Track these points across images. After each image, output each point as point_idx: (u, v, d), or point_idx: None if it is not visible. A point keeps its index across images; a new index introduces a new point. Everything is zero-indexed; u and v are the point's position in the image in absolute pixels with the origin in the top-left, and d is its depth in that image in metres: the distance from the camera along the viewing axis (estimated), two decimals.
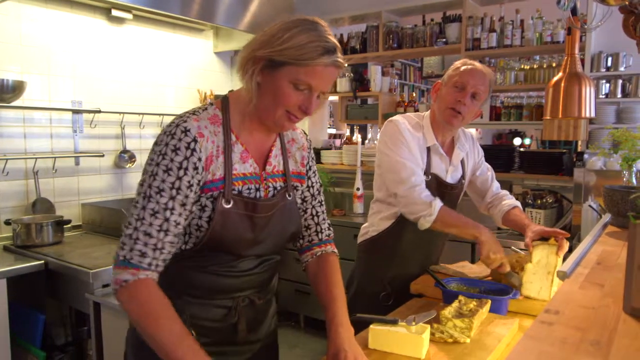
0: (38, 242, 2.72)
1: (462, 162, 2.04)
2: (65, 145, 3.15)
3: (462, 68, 1.86)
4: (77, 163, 3.20)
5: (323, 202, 1.47)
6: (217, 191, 1.17)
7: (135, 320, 1.10)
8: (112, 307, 2.25)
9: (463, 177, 2.04)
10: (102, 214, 3.11)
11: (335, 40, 1.16)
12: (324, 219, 1.47)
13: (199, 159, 1.13)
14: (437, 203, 1.76)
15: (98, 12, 3.25)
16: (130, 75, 3.48)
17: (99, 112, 3.22)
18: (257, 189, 1.24)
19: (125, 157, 3.44)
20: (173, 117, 1.19)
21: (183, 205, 1.12)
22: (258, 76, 1.14)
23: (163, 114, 3.58)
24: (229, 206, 1.17)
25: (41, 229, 2.74)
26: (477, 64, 1.88)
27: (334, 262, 1.45)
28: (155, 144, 1.15)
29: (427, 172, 1.90)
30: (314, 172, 1.43)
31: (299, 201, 1.38)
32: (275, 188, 1.28)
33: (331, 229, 1.51)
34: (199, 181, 1.14)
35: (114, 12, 3.20)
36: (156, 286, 1.10)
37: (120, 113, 3.36)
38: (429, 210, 1.75)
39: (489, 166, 2.17)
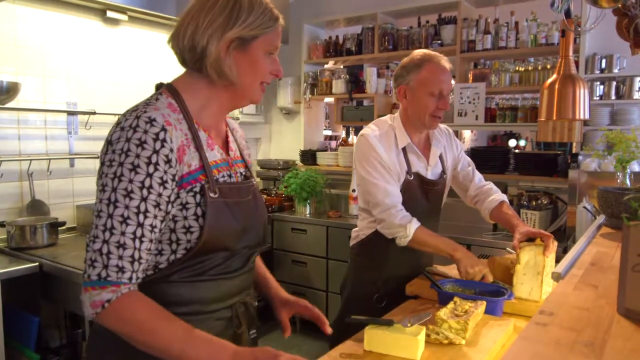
0: (32, 244, 2.71)
1: (441, 157, 2.06)
2: (60, 146, 3.14)
3: (430, 73, 1.86)
4: (72, 165, 3.19)
5: None
6: (198, 183, 1.07)
7: (130, 338, 0.99)
8: None
9: (444, 171, 2.06)
10: None
11: None
12: None
13: (171, 150, 1.02)
14: (413, 225, 1.81)
15: (93, 14, 3.24)
16: (126, 77, 3.48)
17: (94, 113, 3.21)
18: (230, 176, 1.18)
19: None
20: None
21: (157, 206, 1.01)
22: (231, 58, 1.10)
23: None
24: (216, 196, 1.09)
25: (35, 231, 2.73)
26: (441, 60, 1.88)
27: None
28: (111, 142, 1.02)
29: (409, 172, 1.91)
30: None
31: None
32: (241, 174, 1.24)
33: None
34: (174, 176, 1.03)
35: (109, 14, 3.19)
36: (141, 295, 1.00)
37: (115, 115, 3.35)
38: (404, 232, 1.81)
39: (469, 160, 2.19)
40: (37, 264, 2.49)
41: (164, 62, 3.69)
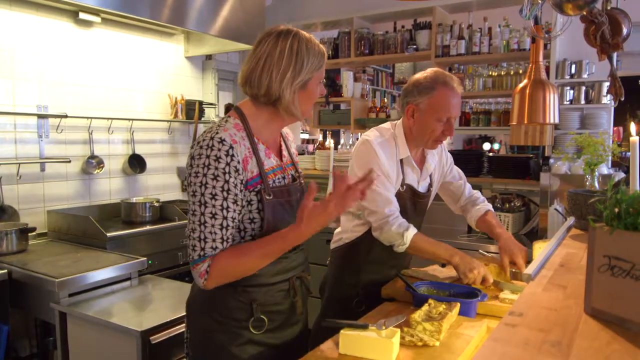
0: (1, 250, 2.63)
1: (431, 171, 2.08)
2: (30, 150, 3.06)
3: (441, 99, 1.82)
4: (42, 169, 3.12)
5: None
6: (259, 186, 1.38)
7: (241, 276, 1.37)
8: (78, 317, 2.20)
9: (431, 184, 2.09)
10: (68, 221, 3.03)
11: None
12: None
13: (238, 162, 1.33)
14: (410, 233, 1.81)
15: (65, 15, 3.18)
16: (99, 80, 3.42)
17: (66, 117, 3.14)
18: (284, 177, 1.47)
19: (93, 162, 3.37)
20: (207, 129, 1.39)
21: (235, 202, 1.33)
22: (297, 94, 1.39)
23: (132, 119, 3.52)
24: (270, 198, 1.39)
25: (4, 237, 2.65)
26: (454, 83, 1.84)
27: None
28: (194, 158, 1.32)
29: (402, 183, 1.93)
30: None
31: None
32: (292, 175, 1.52)
33: None
34: (242, 180, 1.34)
35: (82, 15, 3.14)
36: (224, 252, 1.32)
37: (88, 118, 3.30)
38: (401, 240, 1.82)
39: (460, 172, 2.22)
40: (5, 271, 2.42)
41: (138, 65, 3.65)
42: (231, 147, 1.32)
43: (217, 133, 1.33)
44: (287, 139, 1.61)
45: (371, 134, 1.94)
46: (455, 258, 1.81)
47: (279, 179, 1.45)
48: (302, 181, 1.57)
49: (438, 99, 1.82)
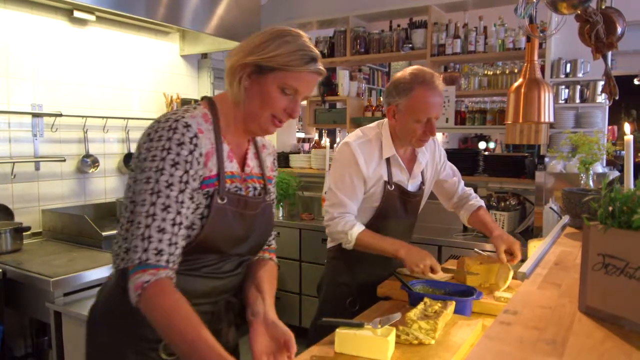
0: None
1: (422, 169, 2.07)
2: (25, 149, 3.05)
3: (420, 99, 1.80)
4: (37, 168, 3.10)
5: None
6: (212, 188, 1.19)
7: (153, 324, 1.08)
8: (73, 317, 2.19)
9: (423, 183, 2.08)
10: (63, 221, 3.02)
11: (317, 51, 1.24)
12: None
13: (200, 154, 1.16)
14: (355, 231, 1.85)
15: (60, 13, 3.16)
16: (94, 78, 3.40)
17: (61, 115, 3.13)
18: (240, 189, 1.27)
19: (88, 161, 3.35)
20: (164, 115, 1.20)
21: (191, 198, 1.15)
22: (246, 81, 1.20)
23: (127, 118, 3.51)
24: (223, 202, 1.20)
25: None
26: (433, 81, 1.82)
27: (273, 267, 1.47)
28: (152, 140, 1.14)
29: (389, 182, 1.92)
30: (274, 183, 1.46)
31: None
32: (255, 189, 1.32)
33: (274, 240, 1.53)
34: (200, 176, 1.17)
35: (76, 14, 3.12)
36: (171, 286, 1.08)
37: (82, 117, 3.28)
38: (346, 238, 1.87)
39: (455, 169, 2.21)
40: (0, 270, 2.41)
41: (133, 63, 3.64)
42: (196, 135, 1.15)
43: (182, 117, 1.16)
44: (263, 150, 1.41)
45: (353, 135, 1.96)
46: (401, 252, 1.82)
47: (236, 187, 1.26)
48: (269, 199, 1.37)
49: (416, 100, 1.81)
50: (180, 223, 1.11)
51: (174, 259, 1.11)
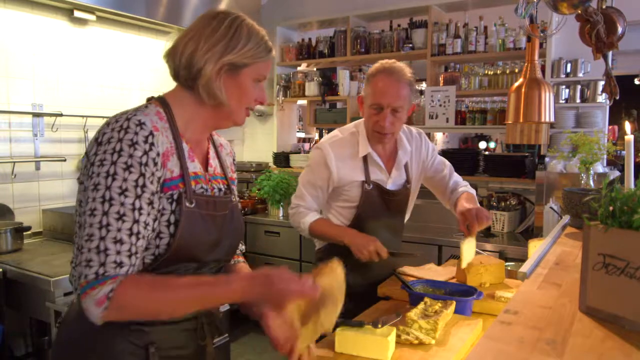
0: None
1: (406, 166, 2.01)
2: (25, 149, 3.05)
3: (375, 84, 1.80)
4: (37, 168, 3.10)
5: None
6: (177, 190, 1.10)
7: (146, 317, 1.06)
8: None
9: (408, 181, 2.02)
10: (64, 220, 3.02)
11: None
12: None
13: (157, 154, 1.05)
14: (307, 220, 1.95)
15: (60, 13, 3.16)
16: (94, 78, 3.40)
17: (61, 115, 3.13)
18: (207, 189, 1.19)
19: None
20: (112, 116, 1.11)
21: (150, 203, 1.04)
22: (221, 81, 1.14)
23: None
24: (192, 206, 1.11)
25: None
26: (393, 68, 1.80)
27: (248, 268, 1.46)
28: (101, 143, 1.03)
29: (367, 181, 1.91)
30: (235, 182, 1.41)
31: None
32: (220, 189, 1.25)
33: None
34: (159, 178, 1.06)
35: (77, 13, 3.12)
36: (135, 277, 1.01)
37: (83, 116, 3.28)
38: (300, 228, 1.99)
39: (446, 163, 2.13)
40: (0, 270, 2.41)
41: (134, 63, 3.64)
42: (152, 133, 1.05)
43: (134, 115, 1.06)
44: (221, 150, 1.34)
45: (328, 136, 1.98)
46: (346, 239, 1.85)
47: (201, 188, 1.17)
48: (234, 199, 1.30)
49: (374, 85, 1.82)
50: (138, 232, 1.01)
51: (134, 269, 1.01)
